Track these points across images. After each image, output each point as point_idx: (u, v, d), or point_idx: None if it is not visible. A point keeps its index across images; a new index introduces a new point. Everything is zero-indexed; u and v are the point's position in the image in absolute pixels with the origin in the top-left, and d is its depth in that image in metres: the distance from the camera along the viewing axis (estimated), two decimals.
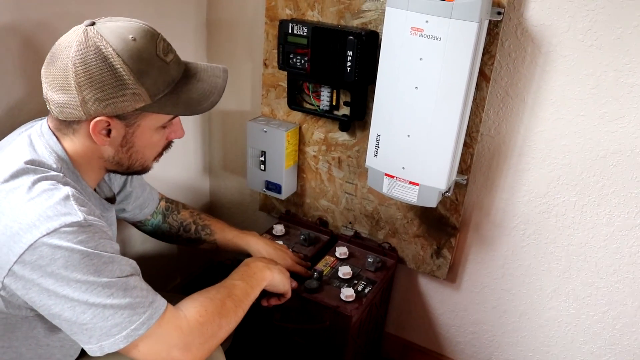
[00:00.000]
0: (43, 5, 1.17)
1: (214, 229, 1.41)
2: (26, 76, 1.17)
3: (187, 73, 0.98)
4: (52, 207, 0.84)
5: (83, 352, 1.18)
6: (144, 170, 1.05)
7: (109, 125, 0.92)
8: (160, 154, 1.07)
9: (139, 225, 1.39)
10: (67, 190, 0.87)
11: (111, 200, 1.15)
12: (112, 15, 0.95)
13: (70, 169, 0.95)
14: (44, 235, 0.81)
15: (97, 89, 0.87)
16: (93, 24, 0.89)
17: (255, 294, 1.12)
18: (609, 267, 1.38)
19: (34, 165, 0.90)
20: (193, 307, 0.96)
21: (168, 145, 1.07)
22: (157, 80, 0.91)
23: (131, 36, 0.89)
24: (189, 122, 1.76)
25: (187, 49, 1.67)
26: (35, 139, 0.94)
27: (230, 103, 1.77)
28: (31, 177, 0.87)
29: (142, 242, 1.76)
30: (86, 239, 0.84)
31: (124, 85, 0.88)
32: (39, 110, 0.98)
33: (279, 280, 1.20)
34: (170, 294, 1.50)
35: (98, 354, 0.86)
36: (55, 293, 0.83)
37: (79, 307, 0.83)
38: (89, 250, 0.83)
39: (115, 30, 0.89)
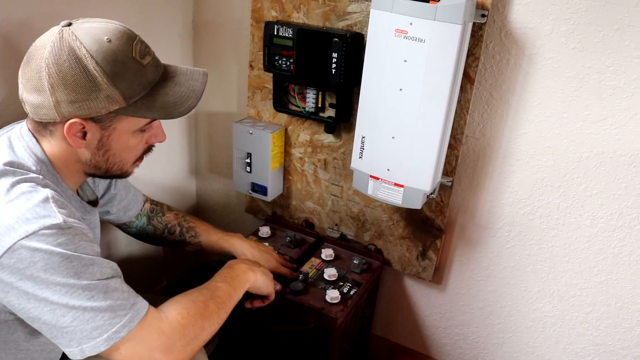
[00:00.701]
0: (24, 6, 1.16)
1: (198, 231, 1.41)
2: (6, 78, 1.16)
3: (165, 76, 0.96)
4: (31, 209, 0.83)
5: (64, 357, 1.17)
6: (123, 174, 1.04)
7: (84, 127, 0.91)
8: (140, 158, 1.05)
9: (123, 227, 1.38)
10: (47, 192, 0.86)
11: (94, 203, 1.13)
12: (96, 17, 0.94)
13: (50, 171, 0.93)
14: (23, 238, 0.80)
15: (70, 90, 0.86)
16: (69, 24, 0.88)
17: (238, 295, 1.11)
18: (592, 268, 1.39)
19: (13, 167, 0.88)
20: (175, 309, 0.95)
21: (148, 149, 1.06)
22: (132, 82, 0.90)
23: (106, 37, 0.88)
24: (174, 124, 1.76)
25: (173, 50, 1.66)
26: (15, 141, 0.93)
27: (216, 105, 1.76)
28: (10, 180, 0.86)
29: (128, 245, 1.75)
30: (66, 242, 0.82)
31: (97, 87, 0.87)
32: (20, 112, 0.96)
33: (262, 282, 1.19)
34: (156, 297, 1.49)
35: (79, 357, 0.85)
36: (34, 296, 0.81)
37: (58, 310, 0.82)
38: (69, 252, 0.82)
39: (90, 32, 0.88)
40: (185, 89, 0.97)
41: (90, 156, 0.95)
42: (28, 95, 0.89)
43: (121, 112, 0.90)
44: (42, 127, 0.93)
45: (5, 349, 0.93)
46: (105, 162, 0.97)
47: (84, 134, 0.92)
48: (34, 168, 0.91)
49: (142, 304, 0.90)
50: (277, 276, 1.35)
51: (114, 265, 0.91)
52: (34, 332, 0.92)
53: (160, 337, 0.89)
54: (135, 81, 0.90)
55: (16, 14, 1.14)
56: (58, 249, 0.81)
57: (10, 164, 0.89)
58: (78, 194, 1.07)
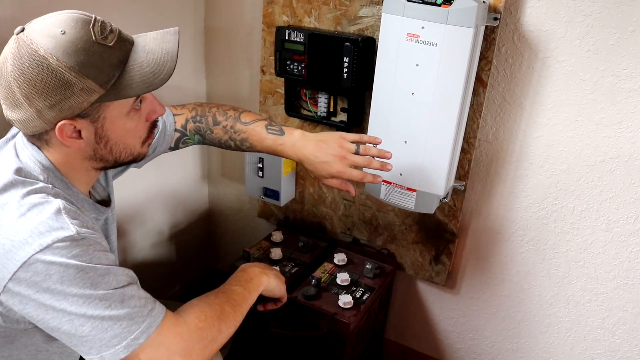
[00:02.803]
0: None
1: (252, 141, 1.25)
2: None
3: (136, 48, 0.91)
4: (44, 222, 0.82)
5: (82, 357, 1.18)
6: (135, 158, 1.01)
7: (75, 127, 0.88)
8: (148, 137, 1.00)
9: (181, 146, 1.32)
10: (58, 203, 0.86)
11: (106, 202, 1.13)
12: (111, 22, 0.93)
13: (58, 177, 0.93)
14: (38, 252, 0.80)
15: (44, 95, 0.83)
16: (23, 30, 0.85)
17: (252, 298, 1.11)
18: (608, 272, 1.37)
19: (22, 176, 0.88)
20: (192, 312, 0.96)
21: (152, 126, 1.01)
22: (102, 67, 0.85)
23: (60, 30, 0.83)
24: None
25: (185, 56, 1.67)
26: (20, 150, 0.92)
27: None
28: (20, 191, 0.86)
29: (141, 250, 1.76)
30: (80, 253, 0.82)
31: (69, 83, 0.83)
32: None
33: (275, 285, 1.19)
34: (169, 302, 1.50)
35: None
36: (52, 307, 0.82)
37: (77, 320, 0.83)
38: (84, 264, 0.82)
39: (43, 30, 0.84)
40: (160, 54, 0.91)
41: (93, 152, 0.93)
42: (11, 113, 0.87)
43: (103, 100, 0.86)
44: (36, 139, 0.91)
45: (25, 351, 0.94)
46: (111, 153, 0.95)
47: (79, 133, 0.89)
48: (41, 177, 0.90)
49: (160, 309, 0.90)
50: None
51: (130, 272, 0.91)
52: (52, 337, 0.93)
53: (179, 341, 0.90)
54: (105, 64, 0.85)
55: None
56: (73, 261, 0.81)
57: (18, 171, 0.89)
58: (91, 195, 1.07)
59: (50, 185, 0.90)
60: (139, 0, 1.44)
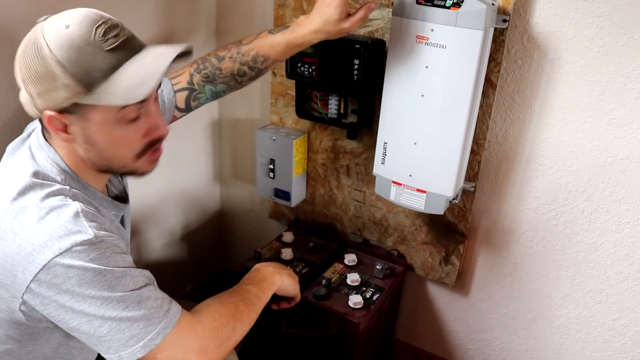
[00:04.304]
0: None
1: (264, 52, 1.19)
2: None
3: (135, 58, 0.87)
4: (63, 225, 0.84)
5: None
6: (132, 172, 0.98)
7: (62, 121, 0.88)
8: (143, 153, 0.95)
9: (194, 104, 1.27)
10: (76, 206, 0.88)
11: (123, 197, 1.13)
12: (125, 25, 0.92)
13: (75, 179, 0.94)
14: (57, 256, 0.82)
15: (34, 82, 0.84)
16: (46, 19, 0.87)
17: (266, 297, 1.13)
18: (618, 274, 1.37)
19: (39, 179, 0.90)
20: (207, 311, 0.97)
21: (151, 144, 0.95)
22: (90, 68, 0.83)
23: (65, 24, 0.84)
24: (198, 131, 1.78)
25: (196, 56, 1.68)
26: (35, 151, 0.94)
27: (240, 111, 1.79)
28: (39, 194, 0.87)
29: (153, 250, 1.78)
30: (98, 257, 0.84)
31: (54, 76, 0.83)
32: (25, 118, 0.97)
33: (288, 285, 1.20)
34: (182, 301, 1.51)
35: None
36: (71, 309, 0.84)
37: (95, 322, 0.85)
38: (101, 267, 0.84)
39: (54, 21, 0.85)
40: (151, 68, 0.87)
41: (84, 153, 0.92)
42: (19, 94, 0.90)
43: (87, 101, 0.85)
44: (46, 131, 0.94)
45: (48, 346, 0.97)
46: (101, 158, 0.93)
47: (66, 127, 0.89)
48: (58, 178, 0.92)
49: (176, 309, 0.92)
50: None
51: (147, 272, 0.92)
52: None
53: (194, 340, 0.91)
54: (94, 67, 0.83)
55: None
56: (91, 265, 0.83)
57: (36, 174, 0.90)
58: (108, 189, 1.08)
59: (67, 187, 0.91)
60: (152, 3, 1.46)
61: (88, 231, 0.85)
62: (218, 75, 1.21)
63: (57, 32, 0.83)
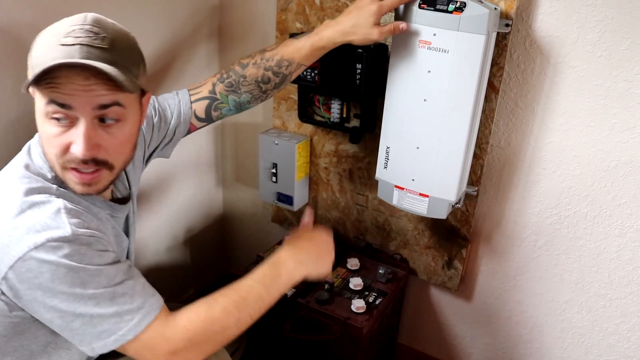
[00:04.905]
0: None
1: (289, 56, 1.20)
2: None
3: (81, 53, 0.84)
4: (42, 220, 0.85)
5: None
6: (62, 178, 0.92)
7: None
8: (66, 167, 0.89)
9: (218, 116, 1.27)
10: (59, 203, 0.88)
11: (125, 200, 1.11)
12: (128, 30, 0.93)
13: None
14: (32, 249, 0.83)
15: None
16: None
17: (271, 299, 1.02)
18: (622, 278, 1.37)
19: (29, 172, 0.92)
20: (186, 314, 0.95)
21: (67, 154, 0.88)
22: (41, 56, 0.84)
23: (66, 18, 0.88)
24: (201, 136, 1.78)
25: (200, 62, 1.69)
26: (33, 148, 0.96)
27: (242, 116, 1.77)
28: (24, 188, 0.89)
29: (156, 254, 1.78)
30: (72, 253, 0.84)
31: (30, 53, 0.87)
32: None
33: (315, 276, 1.10)
34: (184, 305, 1.51)
35: (91, 354, 0.90)
36: (43, 303, 0.85)
37: (67, 317, 0.86)
38: (74, 264, 0.84)
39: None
40: (58, 57, 0.83)
41: None
42: None
43: (30, 84, 0.83)
44: None
45: (35, 342, 0.97)
46: (44, 152, 0.92)
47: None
48: (49, 175, 0.92)
49: (150, 308, 0.91)
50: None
51: (126, 267, 0.91)
52: None
53: (164, 342, 0.91)
54: (43, 55, 0.84)
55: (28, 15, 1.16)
56: (64, 261, 0.83)
57: (27, 167, 0.92)
58: (113, 193, 1.08)
59: (55, 186, 0.92)
60: (155, 4, 1.46)
61: (66, 228, 0.85)
62: (242, 83, 1.22)
63: (56, 22, 0.88)
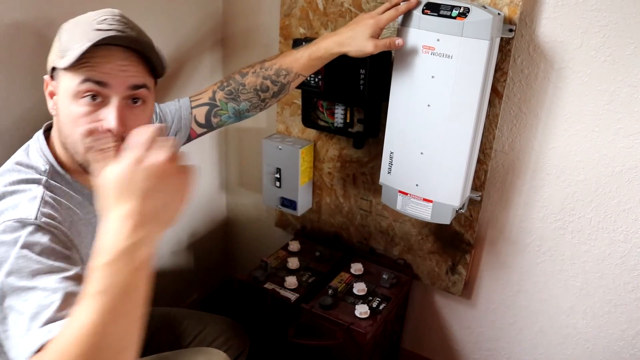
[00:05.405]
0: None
1: (287, 66, 1.23)
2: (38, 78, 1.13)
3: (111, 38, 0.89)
4: (14, 204, 0.86)
5: None
6: (82, 165, 0.93)
7: (50, 86, 0.94)
8: (89, 134, 0.89)
9: (219, 123, 1.28)
10: (39, 191, 0.89)
11: None
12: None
13: (60, 173, 0.96)
14: None
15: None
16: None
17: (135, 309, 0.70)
18: (627, 284, 1.36)
19: (20, 166, 0.93)
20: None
21: (93, 133, 0.89)
22: (73, 38, 0.89)
23: (95, 11, 0.93)
24: (205, 141, 1.79)
25: (204, 67, 1.70)
26: (32, 143, 0.98)
27: (246, 121, 1.78)
28: (12, 177, 0.91)
29: (160, 258, 1.78)
30: (24, 239, 0.81)
31: (54, 42, 0.93)
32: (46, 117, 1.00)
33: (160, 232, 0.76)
34: (189, 310, 1.52)
35: None
36: None
37: None
38: (20, 249, 0.80)
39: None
40: (96, 39, 0.87)
41: (57, 127, 0.95)
42: None
43: (58, 64, 0.89)
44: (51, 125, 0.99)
45: None
46: (62, 134, 0.93)
47: (53, 95, 0.94)
48: (42, 169, 0.94)
49: (37, 338, 0.73)
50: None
51: (64, 286, 0.78)
52: None
53: None
54: (76, 37, 0.89)
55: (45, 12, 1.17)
56: (9, 239, 0.81)
57: (19, 163, 0.94)
58: None
59: (45, 178, 0.93)
60: (158, 11, 1.47)
61: (32, 213, 0.85)
62: (241, 91, 1.24)
63: (83, 14, 0.93)
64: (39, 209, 0.86)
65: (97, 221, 1.02)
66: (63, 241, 0.87)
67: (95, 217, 1.01)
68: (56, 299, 0.76)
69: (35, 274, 0.79)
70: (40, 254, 0.81)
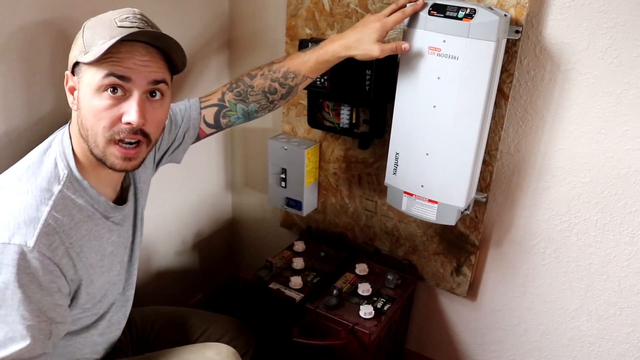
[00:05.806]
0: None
1: (295, 69, 1.24)
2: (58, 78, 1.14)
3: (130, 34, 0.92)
4: (23, 210, 0.89)
5: (110, 357, 1.20)
6: (102, 160, 0.96)
7: (71, 81, 0.96)
8: (113, 140, 0.94)
9: (228, 123, 1.30)
10: (44, 212, 0.90)
11: (122, 200, 1.12)
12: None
13: (77, 179, 0.97)
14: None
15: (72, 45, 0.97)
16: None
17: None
18: (632, 286, 1.36)
19: (38, 169, 0.95)
20: None
21: (115, 125, 0.94)
22: (96, 35, 0.92)
23: (116, 10, 0.97)
24: (211, 141, 1.79)
25: (210, 67, 1.70)
26: (55, 145, 0.99)
27: (252, 121, 1.79)
28: (29, 181, 0.94)
29: (165, 258, 1.79)
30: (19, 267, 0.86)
31: (76, 38, 0.96)
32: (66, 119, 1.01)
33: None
34: (193, 310, 1.52)
35: None
36: None
37: None
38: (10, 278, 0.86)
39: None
40: (107, 38, 0.91)
41: (77, 122, 0.97)
42: None
43: (81, 59, 0.92)
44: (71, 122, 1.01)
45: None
46: (83, 127, 0.95)
47: (73, 90, 0.96)
48: (60, 174, 0.96)
49: None
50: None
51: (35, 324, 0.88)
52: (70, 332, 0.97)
53: None
54: (99, 34, 0.92)
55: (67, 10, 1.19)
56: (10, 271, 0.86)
57: (36, 165, 0.96)
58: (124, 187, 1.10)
59: (59, 188, 0.94)
60: (165, 13, 1.48)
61: (29, 241, 0.87)
62: (250, 92, 1.25)
63: (103, 14, 0.96)
64: (37, 240, 0.88)
65: (106, 233, 1.04)
66: (48, 273, 0.90)
67: (105, 230, 1.02)
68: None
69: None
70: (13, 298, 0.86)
